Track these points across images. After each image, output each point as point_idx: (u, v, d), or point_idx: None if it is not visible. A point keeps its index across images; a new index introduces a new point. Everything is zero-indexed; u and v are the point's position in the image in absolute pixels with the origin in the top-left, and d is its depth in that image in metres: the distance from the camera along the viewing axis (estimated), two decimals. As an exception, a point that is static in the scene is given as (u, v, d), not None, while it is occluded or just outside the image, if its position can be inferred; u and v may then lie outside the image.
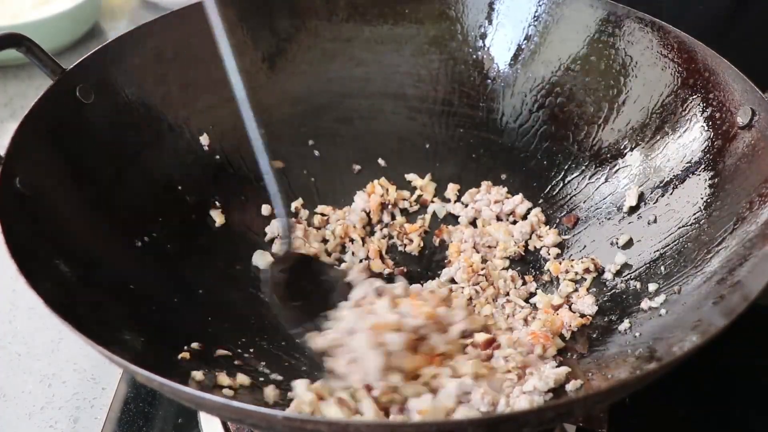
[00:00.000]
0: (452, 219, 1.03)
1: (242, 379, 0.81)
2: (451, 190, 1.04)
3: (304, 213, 1.02)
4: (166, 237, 0.93)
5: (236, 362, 0.84)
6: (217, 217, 0.98)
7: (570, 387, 0.79)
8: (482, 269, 0.94)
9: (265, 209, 1.00)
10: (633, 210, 0.93)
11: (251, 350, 0.86)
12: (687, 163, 0.90)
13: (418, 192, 1.04)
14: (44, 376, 0.95)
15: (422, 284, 0.94)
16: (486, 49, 1.06)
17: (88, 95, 0.90)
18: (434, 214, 1.03)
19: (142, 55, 0.96)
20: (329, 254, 0.99)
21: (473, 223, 1.02)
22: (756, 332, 0.95)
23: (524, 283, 0.95)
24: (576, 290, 0.92)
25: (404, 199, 1.03)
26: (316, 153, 1.05)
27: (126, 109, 0.94)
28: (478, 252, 0.97)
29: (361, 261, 0.98)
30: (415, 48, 1.07)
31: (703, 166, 0.88)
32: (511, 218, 1.01)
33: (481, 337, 0.84)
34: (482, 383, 0.78)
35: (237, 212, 0.99)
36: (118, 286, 0.84)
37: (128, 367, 0.64)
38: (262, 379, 0.83)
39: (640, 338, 0.82)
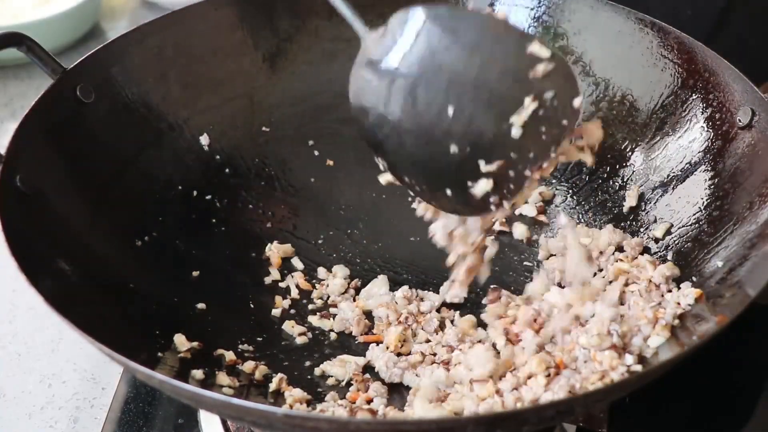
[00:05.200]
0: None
1: (242, 378, 0.81)
2: None
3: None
4: (166, 237, 0.93)
5: (236, 361, 0.84)
6: (217, 217, 0.98)
7: None
8: None
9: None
10: (633, 210, 0.93)
11: (251, 349, 0.87)
12: (687, 163, 0.90)
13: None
14: (44, 376, 0.95)
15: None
16: (486, 49, 1.05)
17: (88, 95, 0.90)
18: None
19: (142, 54, 0.96)
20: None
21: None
22: (756, 332, 0.95)
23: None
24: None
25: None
26: (316, 153, 1.05)
27: (126, 109, 0.94)
28: None
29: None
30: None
31: (703, 166, 0.88)
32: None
33: None
34: None
35: (237, 212, 0.99)
36: (118, 285, 0.84)
37: (128, 365, 0.64)
38: (261, 378, 0.83)
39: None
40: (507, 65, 0.71)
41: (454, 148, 0.72)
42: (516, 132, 0.71)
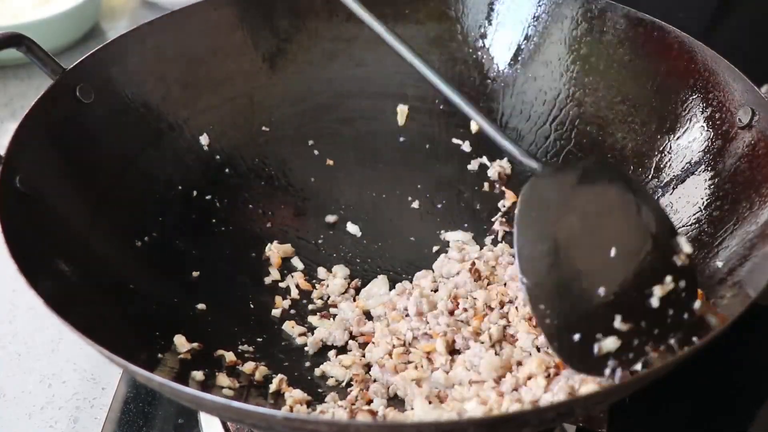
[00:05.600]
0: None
1: (242, 379, 0.81)
2: None
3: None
4: (166, 237, 0.93)
5: (236, 362, 0.84)
6: (217, 217, 0.98)
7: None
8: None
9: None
10: (633, 210, 0.93)
11: (251, 350, 0.87)
12: (687, 163, 0.90)
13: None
14: (44, 376, 0.95)
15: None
16: (486, 49, 1.06)
17: (88, 95, 0.90)
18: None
19: (142, 54, 0.96)
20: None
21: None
22: (756, 332, 0.95)
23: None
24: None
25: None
26: (316, 153, 1.05)
27: (126, 109, 0.94)
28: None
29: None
30: (415, 48, 1.06)
31: (703, 166, 0.88)
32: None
33: None
34: None
35: (237, 212, 0.99)
36: (118, 286, 0.84)
37: (128, 367, 0.64)
38: (262, 379, 0.83)
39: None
40: (661, 238, 0.76)
41: (602, 290, 0.73)
42: (655, 302, 0.73)
